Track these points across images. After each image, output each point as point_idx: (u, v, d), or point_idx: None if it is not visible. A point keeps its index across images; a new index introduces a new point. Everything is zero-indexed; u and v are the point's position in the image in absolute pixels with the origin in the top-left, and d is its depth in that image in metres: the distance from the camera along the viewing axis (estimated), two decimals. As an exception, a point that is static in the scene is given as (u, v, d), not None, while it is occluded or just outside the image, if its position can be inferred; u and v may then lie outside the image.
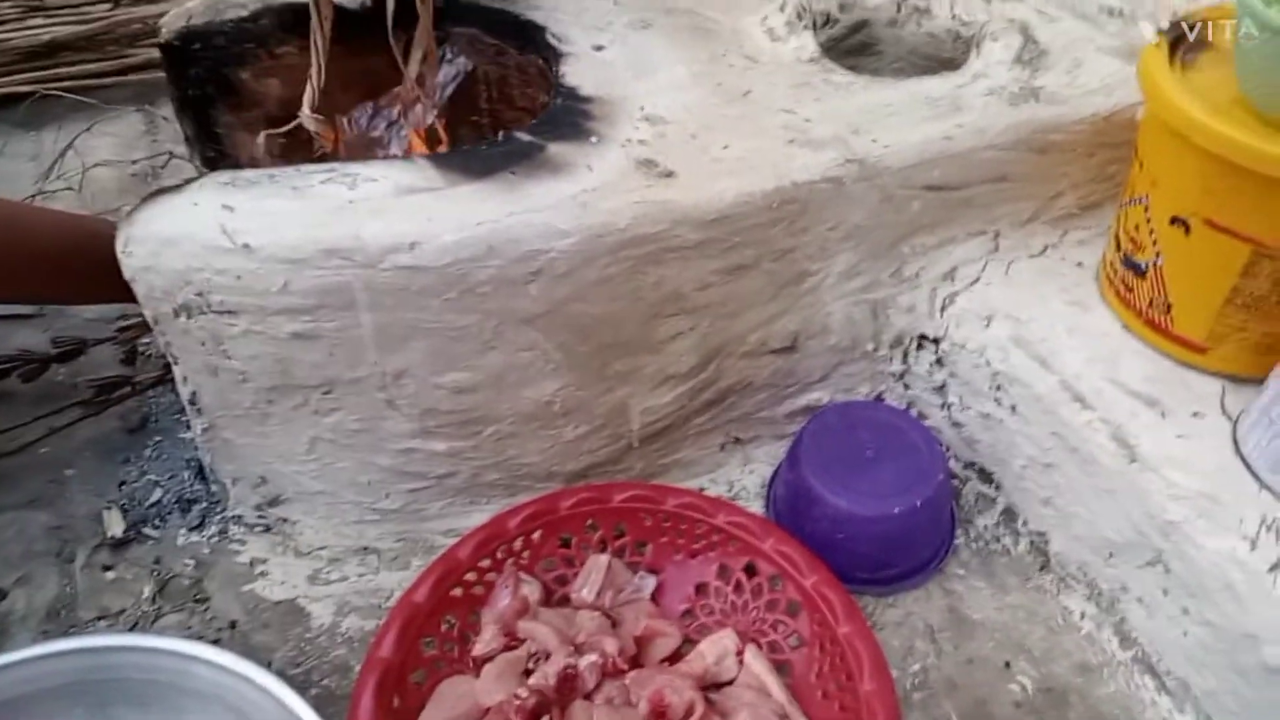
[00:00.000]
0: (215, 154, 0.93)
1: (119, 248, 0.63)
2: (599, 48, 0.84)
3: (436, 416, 0.72)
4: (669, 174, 0.71)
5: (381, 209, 0.65)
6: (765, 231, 0.73)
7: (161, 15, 1.33)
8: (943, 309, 0.80)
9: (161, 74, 0.90)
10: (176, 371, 0.70)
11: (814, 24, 0.89)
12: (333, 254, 0.63)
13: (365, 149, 0.92)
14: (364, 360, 0.68)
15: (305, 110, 0.79)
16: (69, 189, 0.98)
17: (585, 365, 0.73)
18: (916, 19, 0.95)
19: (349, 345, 0.67)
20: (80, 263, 0.76)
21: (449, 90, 0.90)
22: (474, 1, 0.90)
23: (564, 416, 0.75)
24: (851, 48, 0.97)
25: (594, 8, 0.90)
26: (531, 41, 0.88)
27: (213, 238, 0.62)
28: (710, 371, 0.78)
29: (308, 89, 0.79)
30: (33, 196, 0.99)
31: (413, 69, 0.82)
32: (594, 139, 0.73)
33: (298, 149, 0.88)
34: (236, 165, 0.94)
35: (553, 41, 0.85)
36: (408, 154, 0.87)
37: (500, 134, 0.74)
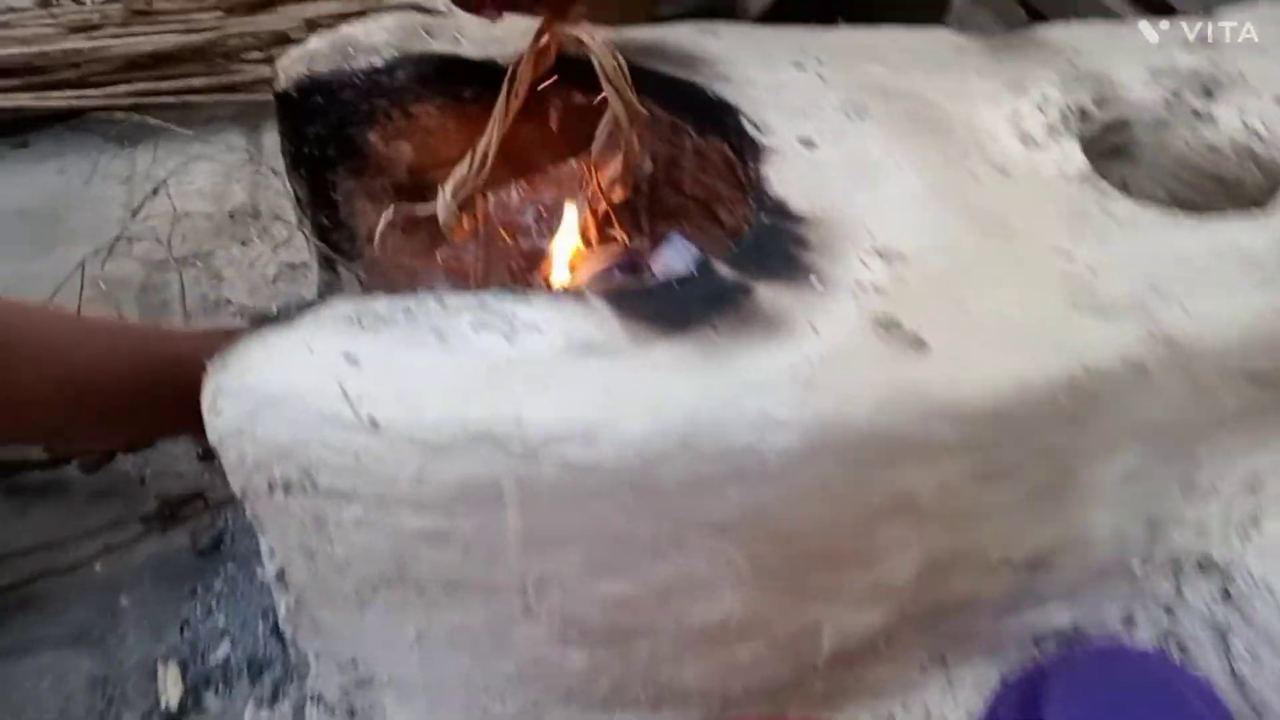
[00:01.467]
0: (329, 223, 0.78)
1: (206, 401, 0.49)
2: (808, 142, 0.67)
3: (581, 627, 0.56)
4: (918, 343, 0.53)
5: (548, 378, 0.49)
6: (1038, 428, 0.55)
7: (275, 29, 1.22)
8: (1242, 531, 0.61)
9: (270, 95, 0.77)
10: (263, 543, 0.55)
11: (1079, 128, 0.70)
12: (484, 440, 0.47)
13: (509, 240, 0.76)
14: (502, 563, 0.52)
15: (447, 197, 0.64)
16: (156, 240, 0.84)
17: (776, 579, 0.56)
18: (1191, 124, 0.75)
19: (486, 547, 0.51)
20: (156, 398, 0.61)
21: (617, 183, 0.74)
22: (650, 67, 0.74)
23: (738, 635, 0.58)
24: (1101, 151, 0.78)
25: (794, 84, 0.72)
26: (718, 124, 0.71)
27: (329, 404, 0.47)
28: (930, 588, 0.61)
29: (462, 170, 0.64)
30: (116, 239, 0.87)
31: (607, 177, 0.66)
32: (815, 280, 0.56)
33: (425, 224, 0.73)
34: (352, 237, 0.80)
35: (749, 129, 0.68)
36: (574, 278, 0.71)
37: (698, 270, 0.57)
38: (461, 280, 0.79)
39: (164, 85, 1.15)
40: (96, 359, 0.58)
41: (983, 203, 0.63)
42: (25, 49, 1.15)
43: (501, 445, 0.47)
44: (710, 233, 0.81)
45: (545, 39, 0.64)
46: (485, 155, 0.66)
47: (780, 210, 0.61)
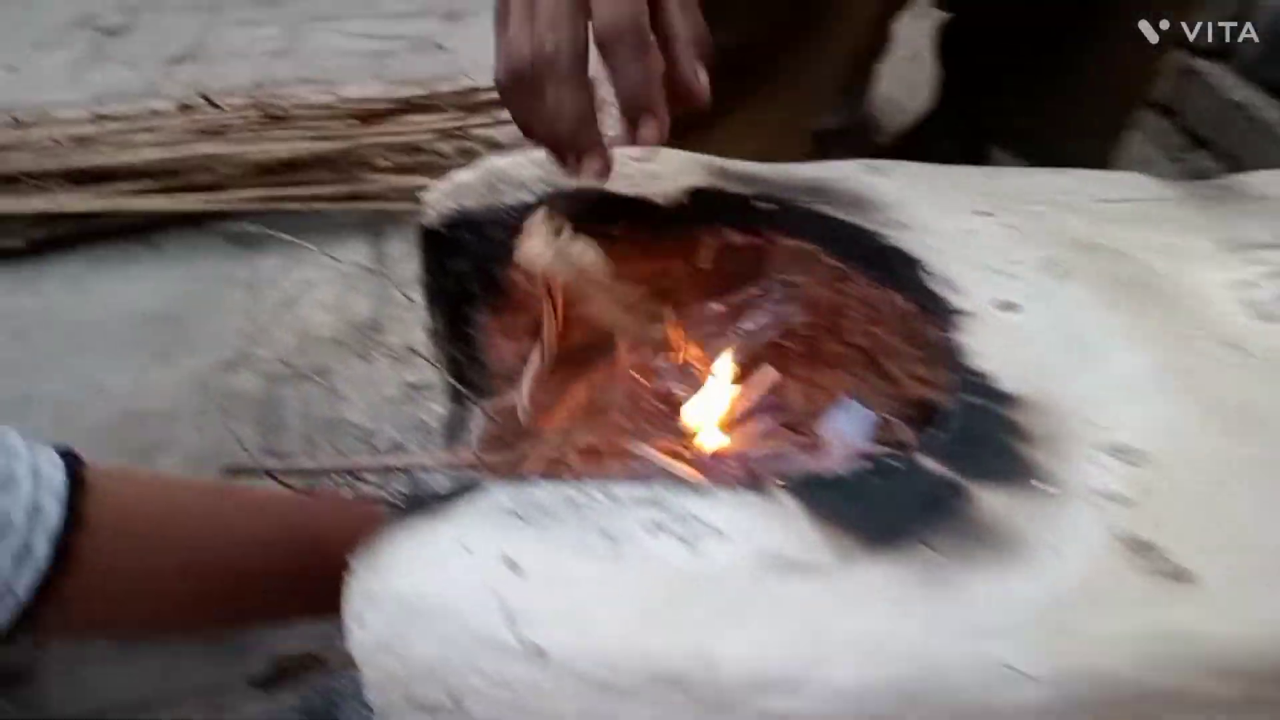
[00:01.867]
0: (463, 357, 0.74)
1: (349, 608, 0.43)
2: (1009, 306, 0.59)
3: None
4: (1181, 574, 0.44)
5: (740, 602, 0.41)
6: (1327, 682, 0.45)
7: (407, 139, 1.22)
8: None
9: (400, 205, 0.74)
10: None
11: (1322, 296, 0.61)
12: (668, 684, 0.39)
13: (646, 383, 0.70)
14: (671, 815, 0.44)
15: (524, 399, 0.60)
16: (278, 358, 0.81)
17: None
18: None
19: (654, 795, 0.43)
20: (294, 586, 0.55)
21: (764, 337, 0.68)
22: (815, 209, 0.68)
23: None
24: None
25: (983, 233, 0.65)
26: (894, 275, 0.64)
27: (487, 624, 0.40)
28: None
29: (534, 364, 0.59)
30: (238, 354, 0.84)
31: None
32: (1048, 486, 0.48)
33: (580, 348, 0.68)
34: (486, 374, 0.75)
35: (934, 285, 0.61)
36: (755, 467, 0.64)
37: (895, 457, 0.49)
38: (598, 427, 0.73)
39: (293, 192, 1.15)
40: (238, 544, 0.53)
41: (1226, 390, 0.54)
42: (163, 152, 1.18)
43: (689, 690, 0.39)
44: (875, 386, 0.73)
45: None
46: (550, 344, 0.62)
47: (986, 389, 0.53)
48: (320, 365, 0.96)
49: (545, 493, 0.46)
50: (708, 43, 0.56)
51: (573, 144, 0.54)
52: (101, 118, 1.26)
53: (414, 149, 1.24)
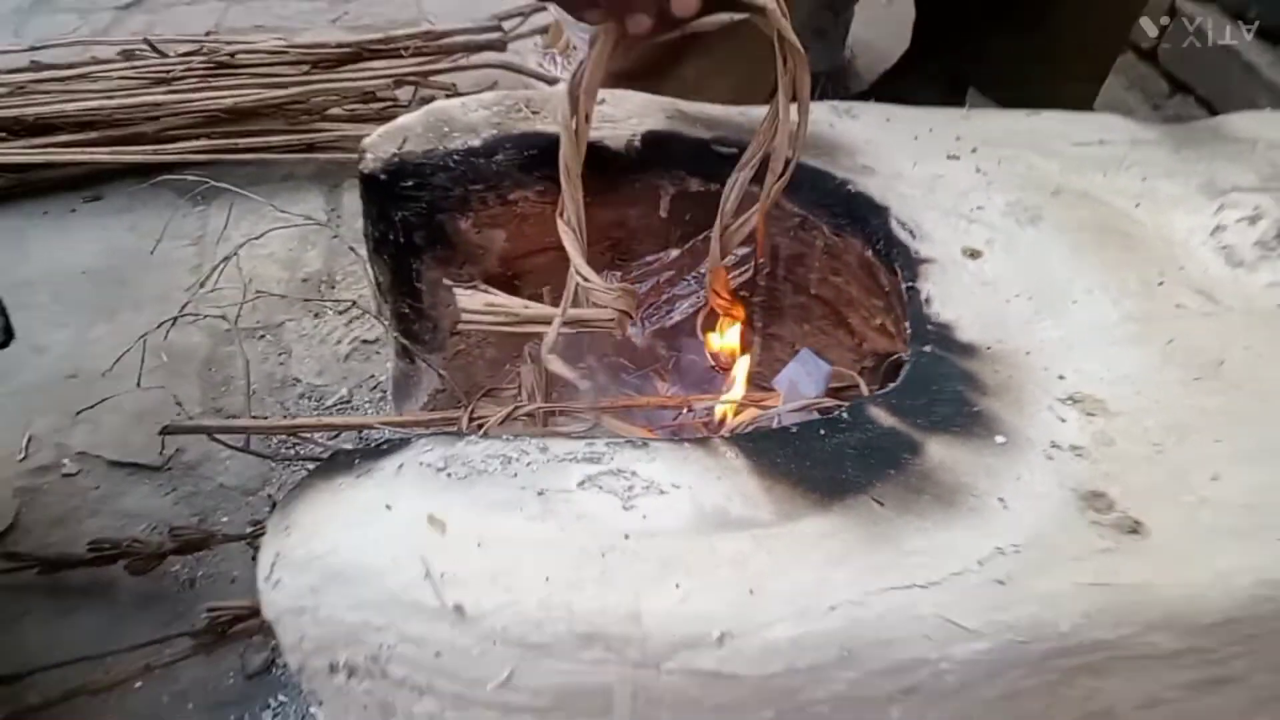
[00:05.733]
0: (411, 311, 0.71)
1: (260, 570, 0.40)
2: (973, 253, 0.57)
3: None
4: (1135, 527, 0.43)
5: (674, 561, 0.39)
6: (1277, 636, 0.44)
7: (360, 86, 1.17)
8: None
9: (352, 155, 0.70)
10: (319, 716, 0.46)
11: (1292, 240, 0.59)
12: (593, 641, 0.38)
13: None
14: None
15: (588, 276, 0.55)
16: (221, 317, 0.78)
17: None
18: None
19: (593, 758, 0.41)
20: None
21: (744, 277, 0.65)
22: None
23: None
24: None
25: (952, 178, 0.63)
26: (860, 223, 0.62)
27: (408, 585, 0.38)
28: (1118, 808, 0.49)
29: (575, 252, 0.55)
30: (182, 309, 0.81)
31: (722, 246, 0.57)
32: (999, 437, 0.46)
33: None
34: (434, 328, 0.72)
35: (900, 233, 0.58)
36: (706, 423, 0.61)
37: (844, 411, 0.47)
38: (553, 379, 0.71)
39: (243, 142, 1.10)
40: None
41: (1192, 339, 0.52)
42: (105, 102, 1.12)
43: (616, 648, 0.38)
44: (835, 337, 0.71)
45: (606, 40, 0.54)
46: (579, 219, 0.57)
47: (945, 339, 0.51)
48: (269, 321, 0.93)
49: (478, 449, 0.44)
50: None
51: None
52: (40, 65, 1.21)
53: (370, 96, 1.19)
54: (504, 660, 0.38)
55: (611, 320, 0.56)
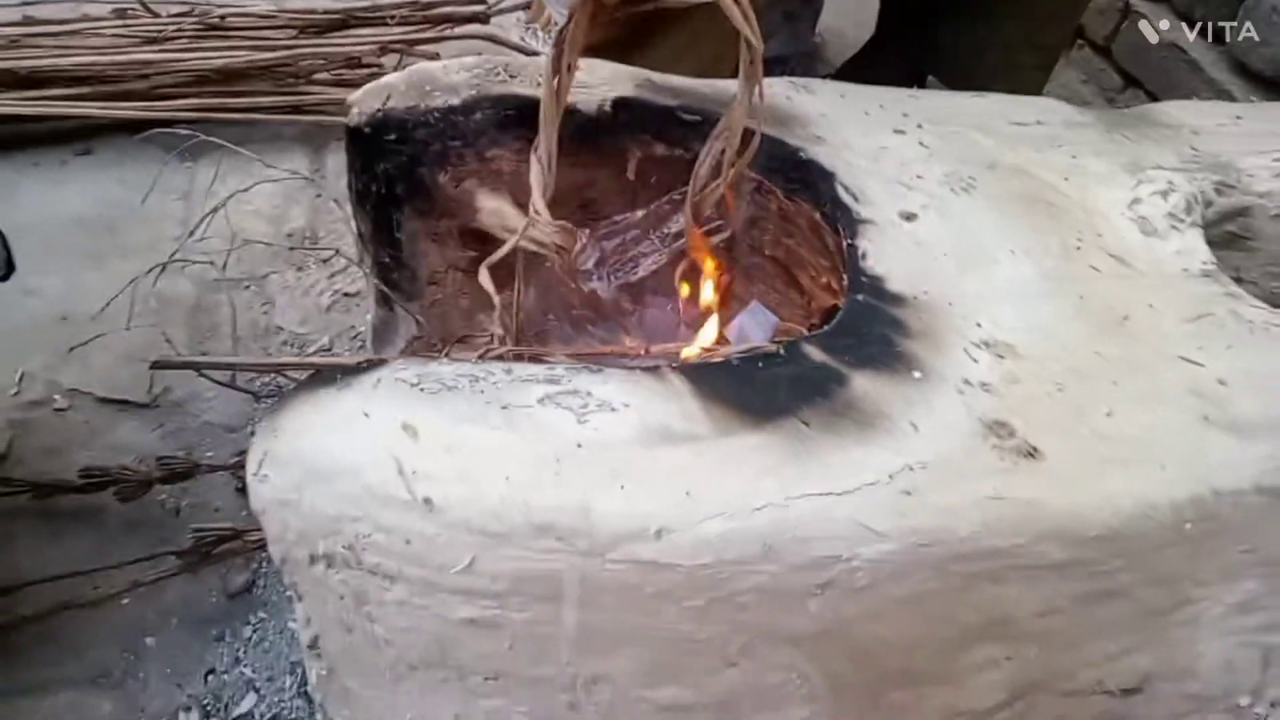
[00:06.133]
0: (390, 261, 0.75)
1: (249, 467, 0.45)
2: (909, 216, 0.62)
3: (633, 732, 0.51)
4: (1032, 453, 0.48)
5: (621, 468, 0.44)
6: (1156, 551, 0.49)
7: (347, 51, 1.21)
8: (1379, 679, 0.54)
9: (338, 118, 0.74)
10: (299, 610, 0.51)
11: (1201, 216, 0.65)
12: (546, 533, 0.43)
13: (572, 285, 0.72)
14: (552, 659, 0.47)
15: (539, 210, 0.60)
16: (209, 262, 0.81)
17: (851, 694, 0.51)
18: (1324, 215, 0.69)
19: (538, 642, 0.46)
20: None
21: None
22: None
23: (806, 754, 0.53)
24: (1213, 239, 0.72)
25: (896, 150, 0.68)
26: (810, 188, 0.67)
27: (384, 480, 0.43)
28: (1016, 710, 0.55)
29: (536, 176, 0.60)
30: (170, 257, 0.84)
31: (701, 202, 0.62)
32: (916, 373, 0.51)
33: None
34: (413, 277, 0.76)
35: (844, 196, 0.63)
36: (663, 356, 0.66)
37: (782, 348, 0.52)
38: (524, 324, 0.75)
39: (231, 102, 1.14)
40: None
41: (1102, 297, 0.58)
42: (97, 58, 1.15)
43: (566, 539, 0.43)
44: (787, 296, 0.76)
45: None
46: (550, 155, 0.61)
47: (877, 289, 0.57)
48: (254, 274, 0.97)
49: (449, 369, 0.48)
50: None
51: None
52: (33, 20, 1.23)
53: (356, 62, 1.23)
54: (467, 547, 0.43)
55: (553, 248, 0.61)
